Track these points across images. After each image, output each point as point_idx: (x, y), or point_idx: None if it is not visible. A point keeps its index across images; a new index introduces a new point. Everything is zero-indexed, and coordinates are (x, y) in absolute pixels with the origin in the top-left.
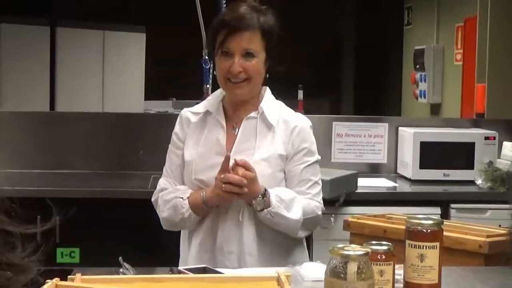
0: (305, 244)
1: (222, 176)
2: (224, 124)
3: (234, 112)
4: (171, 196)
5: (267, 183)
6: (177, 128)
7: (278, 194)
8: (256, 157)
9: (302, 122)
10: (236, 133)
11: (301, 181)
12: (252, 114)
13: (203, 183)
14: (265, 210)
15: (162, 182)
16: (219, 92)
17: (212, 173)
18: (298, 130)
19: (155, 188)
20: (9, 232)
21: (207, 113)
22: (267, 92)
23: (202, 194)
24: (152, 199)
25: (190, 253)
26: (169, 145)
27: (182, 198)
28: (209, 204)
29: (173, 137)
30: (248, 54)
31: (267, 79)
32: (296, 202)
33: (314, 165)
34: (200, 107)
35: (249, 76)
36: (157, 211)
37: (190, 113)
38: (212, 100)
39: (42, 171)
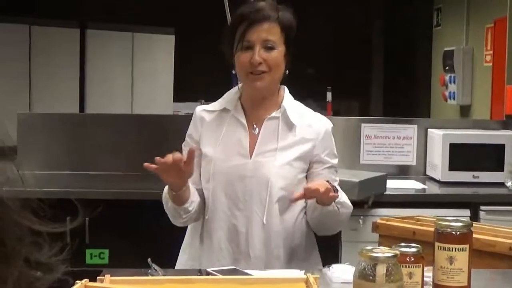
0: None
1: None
2: (246, 124)
3: (254, 110)
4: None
5: (289, 185)
6: (191, 129)
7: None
8: (279, 160)
9: (325, 125)
10: (256, 134)
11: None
12: (274, 113)
13: (223, 181)
14: (333, 202)
15: None
16: (235, 89)
17: (233, 173)
18: (323, 134)
19: None
20: (36, 231)
21: (223, 110)
22: (287, 92)
23: None
24: None
25: (199, 259)
26: (183, 145)
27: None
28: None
29: (187, 138)
30: (268, 46)
31: (286, 77)
32: (343, 192)
33: (336, 167)
34: (216, 105)
35: (269, 68)
36: None
37: (204, 111)
38: (228, 98)
39: (72, 172)
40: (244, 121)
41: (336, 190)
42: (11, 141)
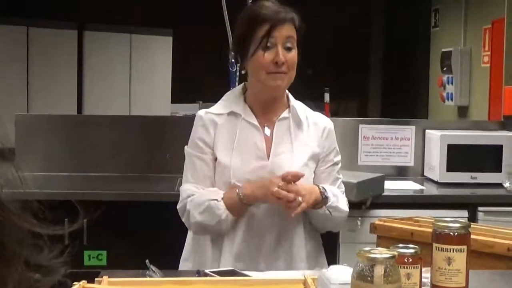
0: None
1: (277, 188)
2: (259, 126)
3: (263, 112)
4: (202, 199)
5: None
6: (201, 132)
7: (330, 190)
8: (297, 160)
9: (328, 123)
10: (269, 135)
11: (334, 180)
12: (284, 114)
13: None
14: (324, 207)
15: (188, 188)
16: (237, 92)
17: (253, 177)
18: (328, 132)
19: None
20: (36, 233)
21: (231, 113)
22: (288, 93)
23: (238, 191)
24: (178, 206)
25: (221, 265)
26: (190, 150)
27: (216, 200)
28: (248, 201)
29: (197, 142)
30: (287, 46)
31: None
32: (341, 196)
33: (339, 164)
34: (220, 107)
35: (288, 68)
36: (184, 218)
37: (211, 114)
38: (232, 100)
39: (70, 174)
40: (256, 123)
41: (326, 197)
42: (10, 142)
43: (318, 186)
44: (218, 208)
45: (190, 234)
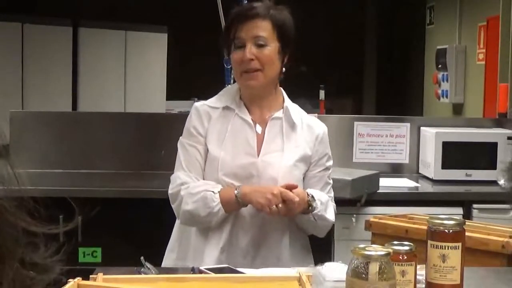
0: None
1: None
2: (252, 123)
3: (256, 110)
4: (199, 189)
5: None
6: (195, 122)
7: (319, 198)
8: (286, 160)
9: (322, 128)
10: (261, 133)
11: (324, 185)
12: (277, 114)
13: (230, 181)
14: (310, 214)
15: (181, 176)
16: (234, 88)
17: (241, 172)
18: (321, 137)
19: None
20: (32, 232)
21: (226, 108)
22: (285, 93)
23: (236, 191)
24: (170, 192)
25: (204, 254)
26: (183, 139)
27: (212, 191)
28: (243, 201)
29: (192, 131)
30: (259, 43)
31: (282, 79)
32: (330, 204)
33: (331, 169)
34: (216, 101)
35: (262, 65)
36: (175, 204)
37: (207, 107)
38: (228, 96)
39: (65, 171)
40: (250, 120)
41: (313, 207)
42: (5, 139)
43: (307, 193)
44: (212, 200)
45: (177, 224)
